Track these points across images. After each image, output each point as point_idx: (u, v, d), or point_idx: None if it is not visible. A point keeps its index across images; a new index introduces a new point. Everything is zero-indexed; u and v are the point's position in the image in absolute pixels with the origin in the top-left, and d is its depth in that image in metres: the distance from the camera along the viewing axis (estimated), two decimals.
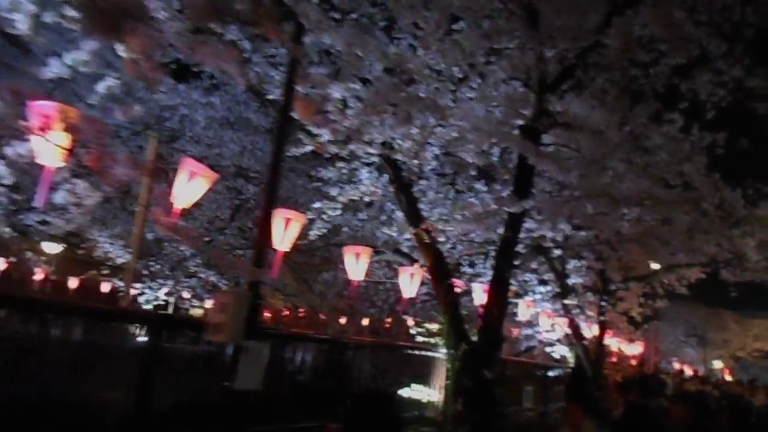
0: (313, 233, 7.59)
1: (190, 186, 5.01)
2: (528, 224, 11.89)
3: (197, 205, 14.46)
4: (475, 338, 6.84)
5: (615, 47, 8.18)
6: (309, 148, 6.72)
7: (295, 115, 4.85)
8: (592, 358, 12.35)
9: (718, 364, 35.78)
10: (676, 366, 31.71)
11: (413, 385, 6.97)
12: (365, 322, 19.29)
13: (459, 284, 8.14)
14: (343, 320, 19.09)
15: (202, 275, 17.39)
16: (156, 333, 4.55)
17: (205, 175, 5.26)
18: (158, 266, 16.42)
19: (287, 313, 22.14)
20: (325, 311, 16.74)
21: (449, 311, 6.67)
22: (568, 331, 12.49)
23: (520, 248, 12.42)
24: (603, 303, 12.76)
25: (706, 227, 11.72)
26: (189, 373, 4.68)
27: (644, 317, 16.08)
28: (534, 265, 13.17)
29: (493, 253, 11.18)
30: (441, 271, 6.70)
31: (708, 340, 35.45)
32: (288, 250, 5.81)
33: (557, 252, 11.96)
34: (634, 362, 17.14)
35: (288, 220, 5.86)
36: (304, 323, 21.93)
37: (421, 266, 7.32)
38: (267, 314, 22.95)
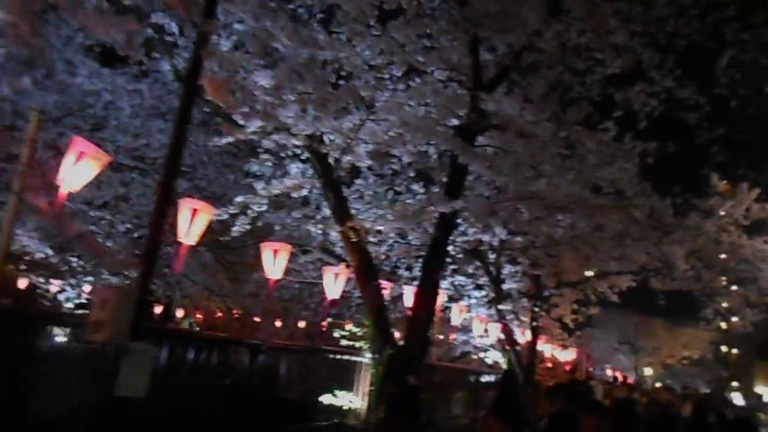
0: (236, 229, 7.17)
1: (78, 168, 4.57)
2: (464, 228, 11.84)
3: (125, 199, 13.77)
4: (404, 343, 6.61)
5: (550, 51, 8.16)
6: (230, 139, 6.33)
7: (209, 96, 4.48)
8: (524, 364, 12.34)
9: (648, 371, 36.93)
10: (609, 372, 32.50)
11: (337, 392, 6.66)
12: (302, 324, 18.84)
13: (388, 286, 7.88)
14: (279, 323, 18.57)
15: (128, 272, 16.60)
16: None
17: (96, 156, 4.79)
18: (80, 262, 15.55)
19: (221, 315, 21.40)
20: (258, 313, 16.21)
21: (374, 314, 6.41)
22: (502, 336, 12.44)
23: (456, 252, 12.35)
24: (536, 308, 12.79)
25: (637, 235, 11.90)
26: (66, 377, 4.18)
27: (577, 324, 16.28)
28: (471, 270, 13.10)
29: None
30: (368, 272, 6.43)
31: (639, 347, 36.51)
32: (194, 243, 5.41)
33: (493, 256, 11.90)
34: (567, 368, 17.35)
35: (195, 211, 5.45)
36: (239, 326, 21.23)
37: (348, 266, 7.03)
38: (198, 316, 22.17)
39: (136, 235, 14.84)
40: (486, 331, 12.28)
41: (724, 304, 14.21)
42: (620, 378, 31.30)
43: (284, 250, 6.49)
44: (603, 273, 13.11)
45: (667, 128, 9.76)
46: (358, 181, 10.00)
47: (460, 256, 12.27)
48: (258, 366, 5.64)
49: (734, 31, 8.09)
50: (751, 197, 12.00)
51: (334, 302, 6.90)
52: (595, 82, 9.39)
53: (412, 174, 10.63)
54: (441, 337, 13.29)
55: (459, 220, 11.82)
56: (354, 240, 6.28)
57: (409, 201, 9.99)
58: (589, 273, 13.16)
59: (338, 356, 6.70)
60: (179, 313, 19.44)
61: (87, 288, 16.81)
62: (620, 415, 8.17)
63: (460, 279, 12.75)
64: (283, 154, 7.16)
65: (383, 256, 11.11)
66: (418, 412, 6.24)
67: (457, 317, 10.69)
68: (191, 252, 6.15)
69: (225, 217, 6.97)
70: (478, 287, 12.60)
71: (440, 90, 6.98)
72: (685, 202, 12.18)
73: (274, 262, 6.48)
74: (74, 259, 15.45)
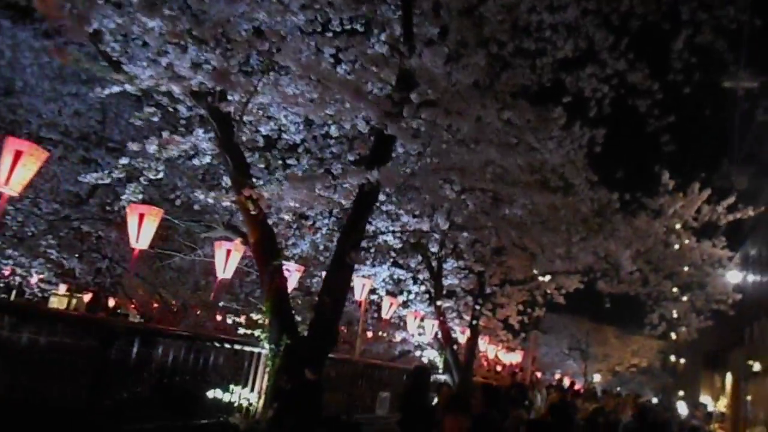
0: (126, 197, 6.23)
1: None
2: (406, 218, 11.10)
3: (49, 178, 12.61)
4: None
5: (494, 20, 7.47)
6: (116, 89, 5.43)
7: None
8: (461, 364, 11.65)
9: (597, 378, 36.94)
10: (557, 377, 32.27)
11: (231, 386, 5.80)
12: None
13: (298, 269, 7.05)
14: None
15: (53, 257, 15.39)
16: None
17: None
18: None
19: (157, 305, 20.16)
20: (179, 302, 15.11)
21: (273, 298, 5.57)
22: (439, 334, 11.74)
23: (395, 243, 11.58)
24: (477, 306, 12.12)
25: (584, 233, 11.38)
26: None
27: (524, 326, 15.71)
28: (412, 264, 12.37)
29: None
30: (267, 249, 5.59)
31: (590, 353, 36.47)
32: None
33: (434, 249, 11.19)
34: (509, 371, 16.75)
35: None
36: (176, 317, 20.00)
37: (244, 243, 6.17)
38: (132, 306, 20.87)
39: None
40: (422, 327, 11.56)
41: (674, 313, 13.83)
42: (567, 382, 31.07)
43: (153, 215, 5.59)
44: (549, 272, 12.52)
45: (618, 116, 9.20)
46: (291, 161, 9.19)
47: (400, 246, 11.53)
48: (124, 353, 4.72)
49: (691, 11, 7.53)
50: (702, 198, 11.58)
51: (223, 283, 6.06)
52: (546, 65, 8.75)
53: (351, 158, 9.89)
54: (370, 333, 12.53)
55: (401, 211, 11.12)
56: (253, 212, 5.43)
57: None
58: (535, 272, 12.54)
59: (230, 345, 5.83)
60: (111, 302, 18.14)
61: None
62: (556, 419, 7.61)
63: (399, 273, 12.01)
64: (186, 113, 6.26)
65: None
66: (317, 412, 5.43)
67: (387, 311, 9.93)
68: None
69: (108, 180, 6.06)
70: (417, 282, 11.87)
71: (366, 50, 6.19)
72: (634, 200, 11.71)
73: (141, 227, 5.55)
74: None
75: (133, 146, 5.57)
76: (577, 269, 12.41)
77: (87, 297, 17.56)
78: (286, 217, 6.34)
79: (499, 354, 16.50)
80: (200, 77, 5.20)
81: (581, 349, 36.79)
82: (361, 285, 10.50)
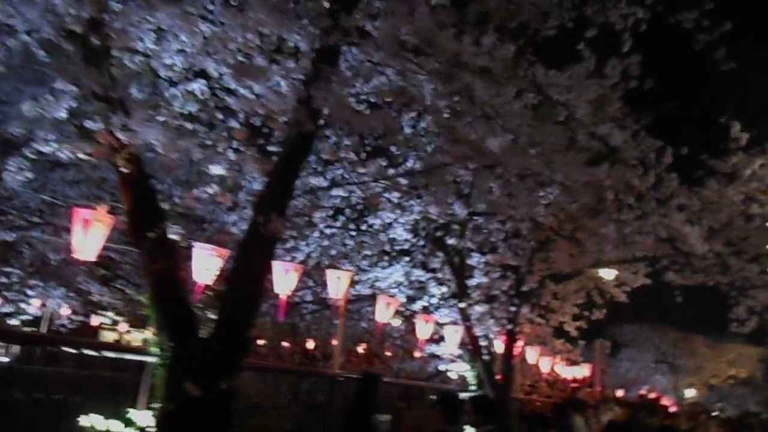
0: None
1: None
2: (418, 209, 9.38)
3: None
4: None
5: None
6: None
7: None
8: (496, 379, 9.67)
9: (690, 393, 33.05)
10: (641, 393, 28.98)
11: (110, 408, 4.30)
12: None
13: (218, 252, 5.48)
14: None
15: (83, 287, 14.55)
16: None
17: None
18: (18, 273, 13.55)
19: None
20: None
21: (154, 285, 4.04)
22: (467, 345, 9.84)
23: (416, 239, 9.87)
24: (513, 307, 10.14)
25: (638, 211, 9.27)
26: None
27: (584, 334, 13.44)
28: (436, 264, 10.59)
29: None
30: (144, 217, 4.07)
31: (679, 366, 32.79)
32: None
33: (451, 241, 9.39)
34: (573, 386, 14.39)
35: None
36: None
37: (109, 212, 4.71)
38: None
39: None
40: (437, 335, 9.68)
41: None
42: (666, 402, 27.69)
43: None
44: (601, 263, 10.39)
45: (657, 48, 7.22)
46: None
47: (417, 241, 9.82)
48: None
49: None
50: None
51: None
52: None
53: None
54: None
55: (411, 202, 9.38)
56: (125, 170, 3.96)
57: None
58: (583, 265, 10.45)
59: (104, 354, 4.33)
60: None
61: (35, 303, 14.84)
62: None
63: (417, 273, 10.26)
64: None
65: None
66: None
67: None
68: None
69: None
70: (441, 284, 10.06)
71: None
72: (702, 165, 9.52)
73: None
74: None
75: None
76: (635, 257, 10.22)
77: None
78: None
79: (557, 368, 14.24)
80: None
81: (668, 362, 33.16)
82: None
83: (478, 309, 10.36)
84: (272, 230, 4.22)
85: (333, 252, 9.82)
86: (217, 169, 4.32)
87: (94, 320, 17.10)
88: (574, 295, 12.55)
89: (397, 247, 10.05)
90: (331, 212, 9.28)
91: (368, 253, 9.81)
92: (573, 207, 9.69)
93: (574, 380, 14.57)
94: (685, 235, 9.04)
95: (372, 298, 10.84)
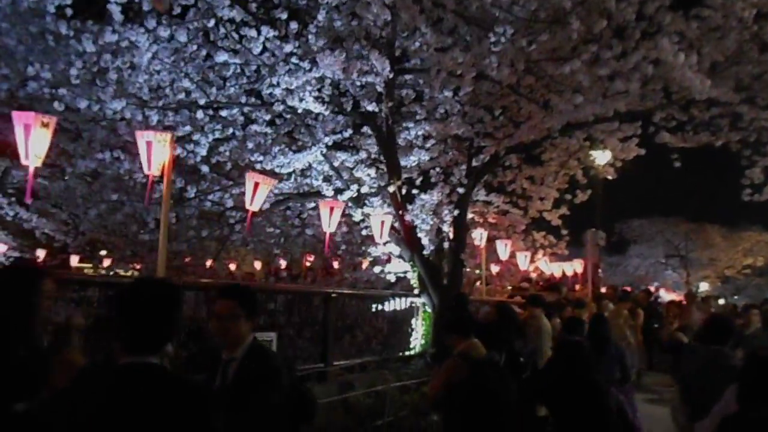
0: None
1: None
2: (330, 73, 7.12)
3: None
4: None
5: None
6: None
7: None
8: (440, 280, 7.65)
9: (704, 287, 31.28)
10: (652, 290, 27.24)
11: None
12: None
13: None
14: None
15: None
16: None
17: None
18: None
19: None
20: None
21: None
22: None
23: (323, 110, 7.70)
24: (461, 189, 8.02)
25: (618, 47, 6.97)
26: None
27: (575, 226, 11.40)
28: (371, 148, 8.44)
29: None
30: None
31: (692, 260, 30.94)
32: None
33: (371, 107, 7.20)
34: (542, 284, 12.23)
35: None
36: None
37: None
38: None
39: None
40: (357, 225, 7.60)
41: None
42: (675, 296, 25.91)
43: None
44: (574, 124, 8.17)
45: None
46: None
47: (333, 115, 7.65)
48: None
49: None
50: None
51: None
52: None
53: None
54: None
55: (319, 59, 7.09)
56: None
57: None
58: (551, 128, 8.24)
59: None
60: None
61: None
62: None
63: (342, 157, 8.13)
64: None
65: None
66: None
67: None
68: None
69: None
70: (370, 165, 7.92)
71: None
72: None
73: None
74: None
75: None
76: (618, 113, 7.97)
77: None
78: None
79: (540, 264, 12.21)
80: None
81: (680, 256, 31.28)
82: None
83: (424, 196, 8.29)
84: None
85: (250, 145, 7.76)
86: None
87: None
88: (555, 178, 10.44)
89: (313, 123, 7.91)
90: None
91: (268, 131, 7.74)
92: (532, 51, 7.38)
93: (562, 277, 12.60)
94: (680, 69, 6.74)
95: (301, 196, 8.83)
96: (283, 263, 17.40)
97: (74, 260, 15.09)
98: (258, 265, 18.80)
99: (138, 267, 12.20)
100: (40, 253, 14.98)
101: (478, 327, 4.39)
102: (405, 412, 5.54)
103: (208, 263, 10.25)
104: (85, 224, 11.46)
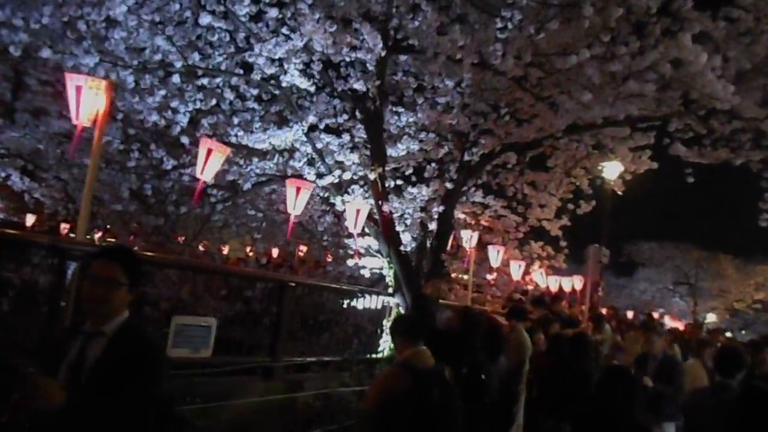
0: None
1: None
2: (319, 46, 6.53)
3: None
4: None
5: None
6: None
7: None
8: (416, 280, 6.99)
9: (711, 318, 30.28)
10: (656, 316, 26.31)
11: None
12: None
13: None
14: None
15: None
16: None
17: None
18: None
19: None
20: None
21: None
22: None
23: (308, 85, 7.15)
24: (449, 184, 7.39)
25: (635, 43, 6.33)
26: None
27: (567, 234, 10.67)
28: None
29: None
30: None
31: (701, 289, 29.96)
32: None
33: (358, 86, 6.61)
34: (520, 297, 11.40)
35: None
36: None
37: None
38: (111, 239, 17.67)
39: None
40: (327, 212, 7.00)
41: None
42: (678, 324, 25.02)
43: None
44: (581, 126, 7.52)
45: None
46: None
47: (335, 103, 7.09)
48: None
49: None
50: None
51: None
52: None
53: None
54: None
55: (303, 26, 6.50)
56: None
57: None
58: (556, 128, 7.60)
59: None
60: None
61: None
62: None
63: (327, 139, 7.54)
64: None
65: None
66: None
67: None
68: None
69: None
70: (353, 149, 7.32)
71: None
72: None
73: None
74: None
75: None
76: (630, 118, 7.32)
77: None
78: None
79: (535, 277, 11.48)
80: None
81: (689, 284, 30.31)
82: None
83: (412, 189, 7.68)
84: None
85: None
86: None
87: None
88: (559, 186, 9.76)
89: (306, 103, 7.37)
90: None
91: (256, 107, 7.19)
92: (540, 41, 6.75)
93: (557, 293, 11.76)
94: (701, 71, 6.09)
95: (283, 179, 8.27)
96: (275, 252, 16.91)
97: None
98: (249, 250, 18.33)
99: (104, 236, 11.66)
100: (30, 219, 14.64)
101: (436, 334, 3.81)
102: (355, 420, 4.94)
103: (181, 239, 9.71)
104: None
